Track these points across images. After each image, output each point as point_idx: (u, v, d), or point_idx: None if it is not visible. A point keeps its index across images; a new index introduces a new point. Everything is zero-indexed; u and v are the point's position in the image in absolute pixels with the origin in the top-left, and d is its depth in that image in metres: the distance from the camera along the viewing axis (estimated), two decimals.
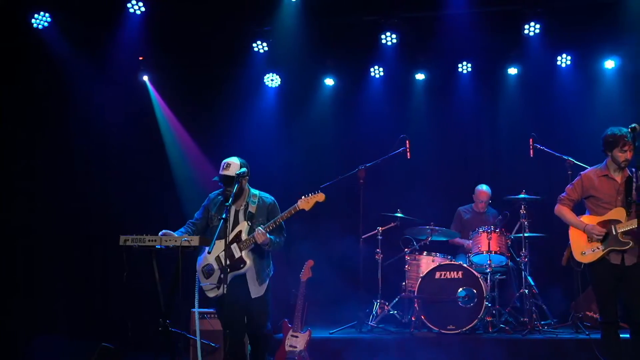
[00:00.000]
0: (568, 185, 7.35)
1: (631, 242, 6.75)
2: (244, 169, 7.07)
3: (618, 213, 6.91)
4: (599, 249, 6.91)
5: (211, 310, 8.44)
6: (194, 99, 11.31)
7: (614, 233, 6.84)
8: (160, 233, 6.87)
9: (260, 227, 6.95)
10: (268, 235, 6.95)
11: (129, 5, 10.35)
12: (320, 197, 7.06)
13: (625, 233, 6.80)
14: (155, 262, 6.76)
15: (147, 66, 11.22)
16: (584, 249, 7.03)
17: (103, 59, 10.53)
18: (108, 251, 10.21)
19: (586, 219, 7.09)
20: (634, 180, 6.70)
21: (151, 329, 6.99)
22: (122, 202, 10.59)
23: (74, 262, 10.43)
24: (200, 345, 7.00)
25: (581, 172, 7.31)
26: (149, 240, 6.68)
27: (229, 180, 7.02)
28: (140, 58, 11.12)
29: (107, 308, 10.32)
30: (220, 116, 11.31)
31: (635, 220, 6.69)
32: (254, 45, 11.21)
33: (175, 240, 6.68)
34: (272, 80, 11.75)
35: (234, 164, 7.08)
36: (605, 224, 6.93)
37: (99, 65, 10.51)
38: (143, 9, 10.40)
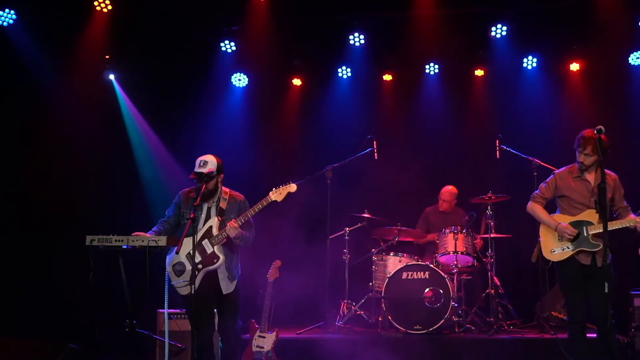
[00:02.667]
0: (542, 183, 7.39)
1: (601, 244, 6.78)
2: (219, 168, 7.07)
3: (590, 214, 6.97)
4: (568, 248, 6.98)
5: (178, 310, 8.40)
6: (160, 98, 11.25)
7: (585, 234, 6.91)
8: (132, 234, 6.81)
9: (232, 221, 6.92)
10: (240, 229, 6.93)
11: (95, 3, 10.27)
12: (292, 187, 7.03)
13: (596, 235, 6.85)
14: (122, 262, 6.69)
15: (114, 65, 11.14)
16: (553, 247, 7.08)
17: (69, 57, 10.44)
18: (73, 251, 10.09)
19: (558, 218, 7.15)
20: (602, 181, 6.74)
21: (118, 330, 6.92)
22: (87, 202, 10.49)
23: (38, 263, 10.30)
24: (165, 345, 6.97)
25: (555, 171, 7.35)
26: (115, 241, 6.60)
27: (205, 178, 6.97)
28: (107, 57, 11.03)
29: (73, 309, 10.21)
30: (187, 116, 11.27)
31: (609, 224, 6.74)
32: (222, 44, 11.19)
33: (143, 241, 6.61)
34: (239, 80, 11.72)
35: (210, 162, 7.03)
36: (577, 224, 6.99)
37: (65, 64, 10.41)
38: (110, 7, 10.34)
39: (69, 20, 10.30)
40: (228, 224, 6.90)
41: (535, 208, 7.32)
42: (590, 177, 7.09)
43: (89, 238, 6.63)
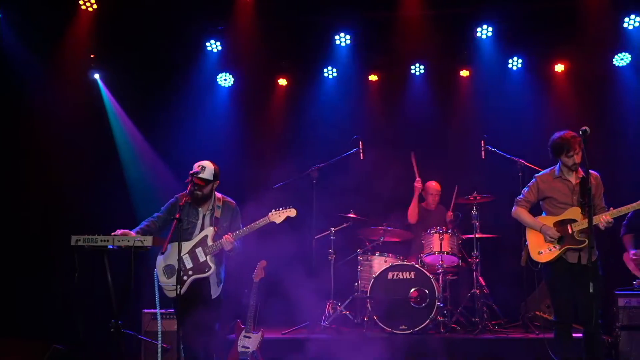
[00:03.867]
0: (524, 188, 7.48)
1: (586, 240, 6.86)
2: (215, 175, 7.10)
3: (574, 212, 7.07)
4: (555, 248, 7.06)
5: (164, 311, 8.38)
6: (146, 97, 11.21)
7: (570, 232, 6.99)
8: (118, 232, 6.78)
9: (228, 235, 6.95)
10: (235, 243, 6.99)
11: (80, 2, 10.23)
12: (291, 212, 7.18)
13: (581, 232, 6.94)
14: (107, 262, 6.66)
15: (99, 64, 11.09)
16: (541, 248, 7.15)
17: (54, 56, 10.38)
18: (58, 251, 10.03)
19: (543, 220, 7.22)
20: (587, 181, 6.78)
21: (103, 330, 6.89)
22: (72, 201, 10.43)
23: (22, 263, 10.24)
24: (150, 345, 6.92)
25: (536, 175, 7.43)
26: (101, 241, 6.56)
27: (202, 182, 6.99)
28: (92, 56, 10.98)
29: (58, 309, 10.14)
30: (173, 115, 11.23)
31: (589, 220, 6.80)
32: (208, 44, 11.16)
33: (128, 241, 6.58)
34: (225, 79, 11.70)
35: (208, 168, 7.05)
36: (562, 223, 7.08)
37: (50, 63, 10.35)
38: (95, 6, 10.31)
39: (54, 19, 10.24)
40: (224, 237, 6.95)
41: (519, 212, 7.41)
42: (571, 176, 7.20)
43: (74, 238, 6.59)
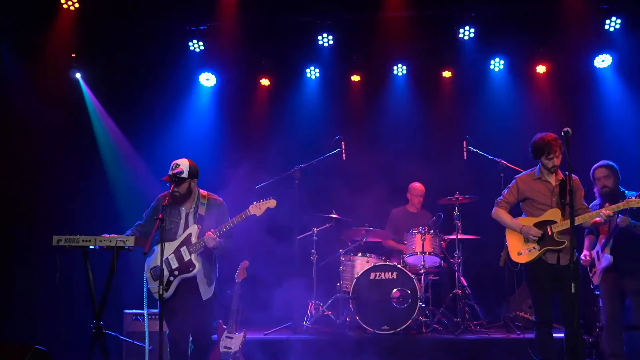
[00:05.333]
0: (504, 189, 7.51)
1: (566, 241, 6.91)
2: (192, 172, 7.04)
3: (553, 214, 7.10)
4: (535, 248, 7.09)
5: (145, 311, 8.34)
6: (128, 96, 11.19)
7: (550, 233, 7.03)
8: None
9: (210, 232, 6.91)
10: (218, 240, 6.93)
11: (62, 0, 10.16)
12: (271, 203, 7.09)
13: (560, 233, 6.98)
14: (89, 263, 6.62)
15: (81, 63, 11.04)
16: (520, 249, 7.19)
17: (35, 55, 10.32)
18: (39, 251, 9.99)
19: (523, 221, 7.26)
20: (568, 182, 6.80)
21: (85, 331, 6.85)
22: (52, 201, 10.37)
23: (3, 263, 10.16)
24: (131, 346, 6.88)
25: (516, 176, 7.47)
26: (82, 241, 6.52)
27: (178, 181, 6.94)
28: (73, 55, 10.93)
29: (39, 310, 10.09)
30: (155, 115, 11.21)
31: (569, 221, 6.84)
32: (190, 44, 11.11)
33: (110, 241, 6.55)
34: (207, 79, 11.66)
35: (183, 165, 7.00)
36: (542, 224, 7.11)
37: (31, 61, 10.29)
38: (77, 5, 10.24)
39: (35, 18, 10.18)
40: (206, 234, 6.89)
41: (499, 213, 7.44)
42: (551, 177, 7.23)
43: (55, 238, 6.54)
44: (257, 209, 7.05)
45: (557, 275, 7.01)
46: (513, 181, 7.46)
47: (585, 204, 7.33)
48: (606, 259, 7.72)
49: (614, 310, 7.74)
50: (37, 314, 10.07)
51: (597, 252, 7.88)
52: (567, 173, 6.74)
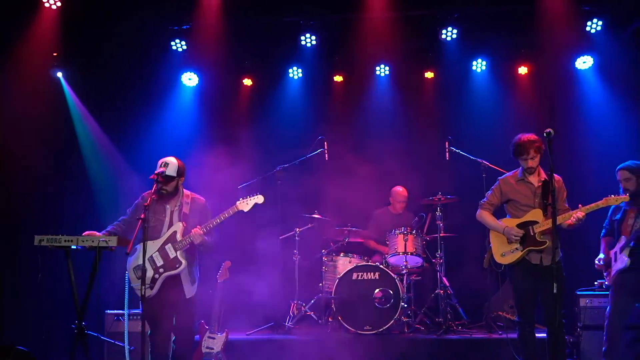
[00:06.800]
0: (488, 191, 7.55)
1: (548, 241, 6.95)
2: (180, 171, 7.08)
3: (535, 214, 7.14)
4: (518, 249, 7.13)
5: (127, 311, 8.31)
6: (110, 96, 11.13)
7: (532, 233, 7.06)
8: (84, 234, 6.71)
9: (197, 228, 6.92)
10: (204, 236, 6.95)
11: None
12: (259, 199, 7.20)
13: (542, 233, 7.02)
14: (71, 263, 6.58)
15: (62, 62, 10.97)
16: (503, 250, 7.24)
17: (16, 54, 10.24)
18: (20, 251, 9.92)
19: (506, 222, 7.30)
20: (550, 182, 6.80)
21: (66, 331, 6.81)
22: (33, 201, 10.31)
23: None
24: (113, 346, 6.84)
25: (499, 178, 7.51)
26: (64, 241, 6.47)
27: (167, 179, 6.96)
28: (55, 54, 10.86)
29: (21, 310, 10.02)
30: (137, 114, 11.16)
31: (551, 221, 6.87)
32: (172, 43, 11.07)
33: (93, 241, 6.50)
34: (189, 79, 11.62)
35: (172, 163, 7.02)
36: (524, 225, 7.15)
37: (12, 60, 10.21)
38: (59, 4, 10.19)
39: (16, 16, 10.11)
40: (193, 231, 6.92)
41: (483, 215, 7.49)
42: (533, 179, 7.27)
43: (37, 238, 6.49)
44: (244, 205, 7.12)
45: (539, 276, 7.05)
46: (496, 183, 7.50)
47: (567, 205, 7.32)
48: (623, 260, 7.65)
49: (622, 311, 7.69)
50: (18, 315, 10.00)
51: (615, 253, 7.86)
52: (549, 173, 6.76)
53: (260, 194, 7.21)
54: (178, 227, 7.03)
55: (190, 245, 6.97)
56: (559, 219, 6.93)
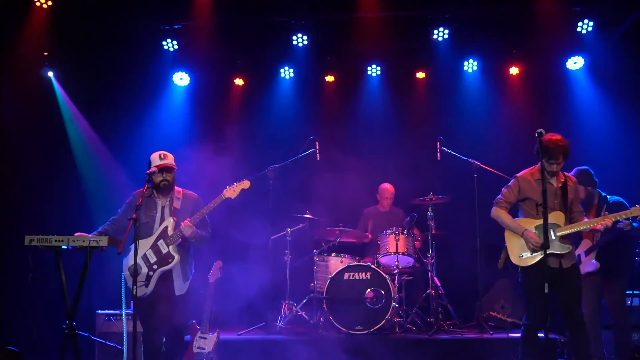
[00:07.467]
0: (504, 188, 7.24)
1: (570, 246, 6.83)
2: (175, 163, 7.14)
3: (557, 217, 6.90)
4: (537, 252, 6.86)
5: (119, 311, 8.30)
6: (101, 95, 11.11)
7: (553, 237, 6.84)
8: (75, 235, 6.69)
9: (187, 220, 6.92)
10: (195, 228, 6.92)
11: None
12: (245, 184, 7.09)
13: (564, 237, 6.84)
14: (61, 263, 6.55)
15: (53, 62, 10.94)
16: (522, 252, 6.96)
17: (6, 53, 10.21)
18: (11, 251, 9.88)
19: (523, 223, 7.03)
20: (543, 183, 6.67)
21: (57, 332, 6.78)
22: (24, 201, 10.27)
23: None
24: (104, 347, 6.81)
25: (516, 175, 7.15)
26: (55, 241, 6.45)
27: (169, 169, 7.02)
28: (46, 53, 10.83)
29: (11, 310, 9.98)
30: (128, 114, 11.13)
31: (575, 225, 6.84)
32: (164, 43, 11.05)
33: (84, 241, 6.48)
34: (181, 79, 11.61)
35: (169, 155, 7.08)
36: (543, 227, 6.75)
37: (3, 59, 10.18)
38: (50, 3, 10.16)
39: (6, 16, 10.07)
40: (182, 223, 6.91)
41: (499, 214, 7.16)
42: (553, 179, 7.02)
43: (28, 238, 6.46)
44: (231, 192, 7.05)
45: (557, 278, 6.85)
46: (513, 180, 7.16)
47: (582, 207, 7.22)
48: (592, 264, 7.75)
49: (595, 312, 7.81)
50: (9, 315, 9.96)
51: (579, 255, 7.90)
52: (544, 174, 6.72)
53: (246, 179, 7.11)
54: (169, 222, 7.03)
55: (182, 239, 6.96)
56: (585, 224, 6.84)
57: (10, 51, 10.25)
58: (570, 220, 6.99)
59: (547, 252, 6.67)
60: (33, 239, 6.44)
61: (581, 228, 6.88)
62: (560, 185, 6.99)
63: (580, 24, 10.58)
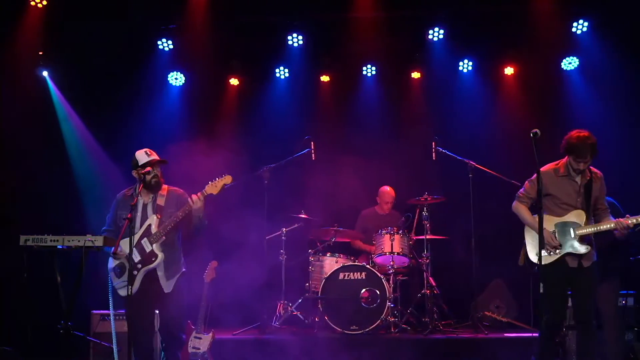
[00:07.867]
0: (526, 181, 7.16)
1: (589, 246, 6.76)
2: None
3: (578, 216, 6.84)
4: (557, 252, 6.82)
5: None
6: (95, 95, 11.08)
7: (572, 236, 6.79)
8: None
9: (197, 195, 6.77)
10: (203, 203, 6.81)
11: None
12: (227, 179, 6.86)
13: (582, 237, 6.78)
14: (57, 262, 6.54)
15: (48, 61, 10.92)
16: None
17: (1, 52, 10.20)
18: (5, 251, 9.85)
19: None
20: (538, 181, 6.63)
21: (52, 332, 6.77)
22: (19, 201, 10.26)
23: None
24: (99, 347, 6.80)
25: (540, 169, 7.06)
26: (50, 241, 6.43)
27: (161, 163, 7.01)
28: (40, 53, 10.81)
29: (6, 310, 9.96)
30: (123, 114, 11.11)
31: (595, 225, 6.79)
32: (159, 42, 11.06)
33: (79, 241, 6.47)
34: (176, 79, 11.61)
35: (154, 151, 7.04)
36: (563, 225, 6.84)
37: None
38: (45, 2, 10.17)
39: (1, 15, 10.07)
40: (192, 196, 6.76)
41: (520, 209, 7.10)
42: (577, 177, 6.92)
43: (23, 238, 6.45)
44: (213, 187, 6.83)
45: (575, 277, 6.81)
46: (535, 175, 6.91)
47: (606, 204, 7.09)
48: None
49: (613, 314, 7.81)
50: (3, 314, 9.95)
51: None
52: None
53: (228, 174, 6.89)
54: (152, 219, 6.93)
55: (166, 237, 6.90)
56: (605, 224, 6.78)
57: (4, 50, 10.24)
58: (593, 217, 6.92)
59: (565, 253, 6.74)
60: (28, 238, 6.43)
61: (601, 228, 6.79)
62: (585, 182, 6.90)
63: (575, 24, 10.64)
